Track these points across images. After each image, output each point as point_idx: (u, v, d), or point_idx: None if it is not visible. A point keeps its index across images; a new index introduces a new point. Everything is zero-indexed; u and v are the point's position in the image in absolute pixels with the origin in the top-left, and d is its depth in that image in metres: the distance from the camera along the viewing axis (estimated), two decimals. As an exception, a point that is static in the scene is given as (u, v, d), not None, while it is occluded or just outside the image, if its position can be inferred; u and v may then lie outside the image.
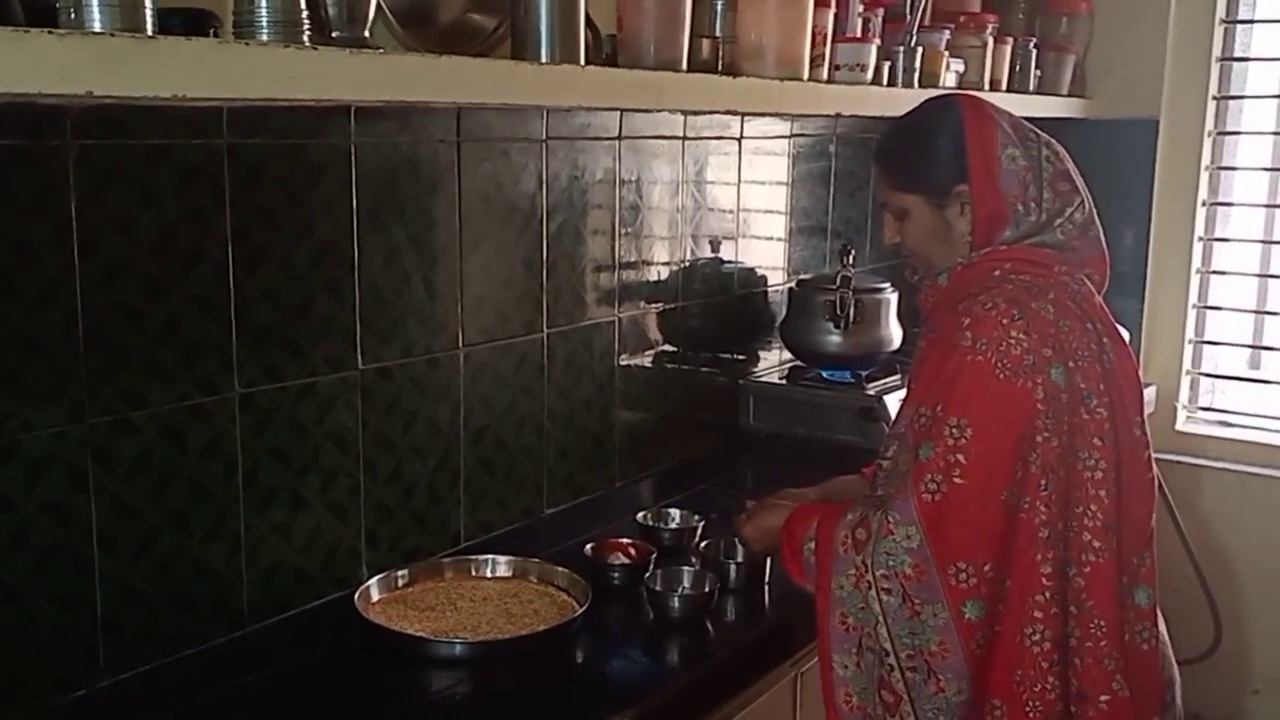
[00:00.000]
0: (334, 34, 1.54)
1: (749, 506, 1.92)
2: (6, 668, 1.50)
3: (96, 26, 1.22)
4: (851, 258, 2.75)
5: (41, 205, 1.47)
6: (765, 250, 2.90)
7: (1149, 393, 3.05)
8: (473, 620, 1.80)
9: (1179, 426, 3.60)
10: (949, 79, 2.82)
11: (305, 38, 1.42)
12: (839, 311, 2.73)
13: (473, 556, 2.00)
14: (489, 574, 1.97)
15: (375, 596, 1.84)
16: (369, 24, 1.58)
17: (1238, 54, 3.50)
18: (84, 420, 1.54)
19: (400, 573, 1.91)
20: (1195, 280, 3.58)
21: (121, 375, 1.58)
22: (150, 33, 1.26)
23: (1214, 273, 3.60)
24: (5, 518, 1.48)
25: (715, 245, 2.71)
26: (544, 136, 2.18)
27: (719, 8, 2.20)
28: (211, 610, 1.72)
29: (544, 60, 1.76)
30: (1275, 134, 3.52)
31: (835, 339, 2.76)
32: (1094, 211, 1.76)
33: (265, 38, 1.38)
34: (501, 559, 1.98)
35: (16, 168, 1.44)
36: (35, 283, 1.48)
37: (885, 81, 2.59)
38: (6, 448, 1.47)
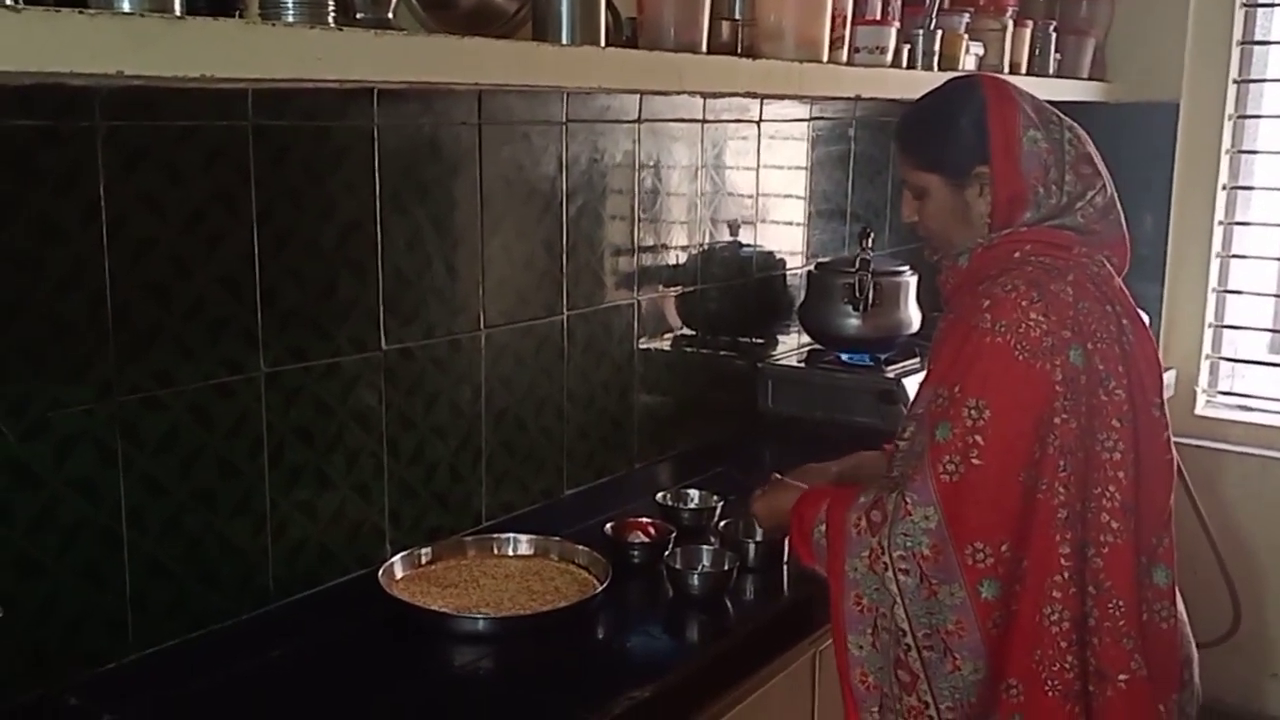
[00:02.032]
0: (358, 15, 1.56)
1: (770, 480, 1.93)
2: (37, 641, 1.52)
3: (126, 7, 1.24)
4: (870, 241, 2.76)
5: (71, 185, 1.49)
6: (784, 234, 2.90)
7: (1168, 377, 3.04)
8: (495, 597, 1.82)
9: (1199, 411, 3.59)
10: (968, 62, 2.81)
11: (330, 19, 1.43)
12: (858, 294, 2.73)
13: (495, 535, 2.01)
14: (511, 552, 1.98)
15: (399, 574, 1.86)
16: (392, 6, 1.59)
17: (1259, 37, 3.49)
18: (112, 398, 1.57)
19: (423, 550, 1.93)
20: (1215, 264, 3.58)
21: (149, 354, 1.60)
22: (179, 13, 1.27)
23: (1234, 257, 3.60)
24: (35, 494, 1.50)
25: (734, 229, 2.72)
26: (564, 119, 2.19)
27: (738, -10, 2.21)
28: (238, 586, 1.75)
29: (565, 42, 1.77)
30: (1297, 118, 3.51)
31: (854, 322, 2.76)
32: (1115, 195, 1.76)
33: (291, 19, 1.40)
34: (523, 537, 2.00)
35: (47, 147, 1.46)
36: (64, 261, 1.50)
37: (905, 64, 2.59)
38: (36, 425, 1.50)
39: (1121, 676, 1.65)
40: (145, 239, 1.58)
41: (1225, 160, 3.52)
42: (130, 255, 1.56)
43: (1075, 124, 1.77)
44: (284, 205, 1.73)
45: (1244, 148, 3.56)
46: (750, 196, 2.75)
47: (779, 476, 1.95)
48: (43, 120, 1.45)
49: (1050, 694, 1.62)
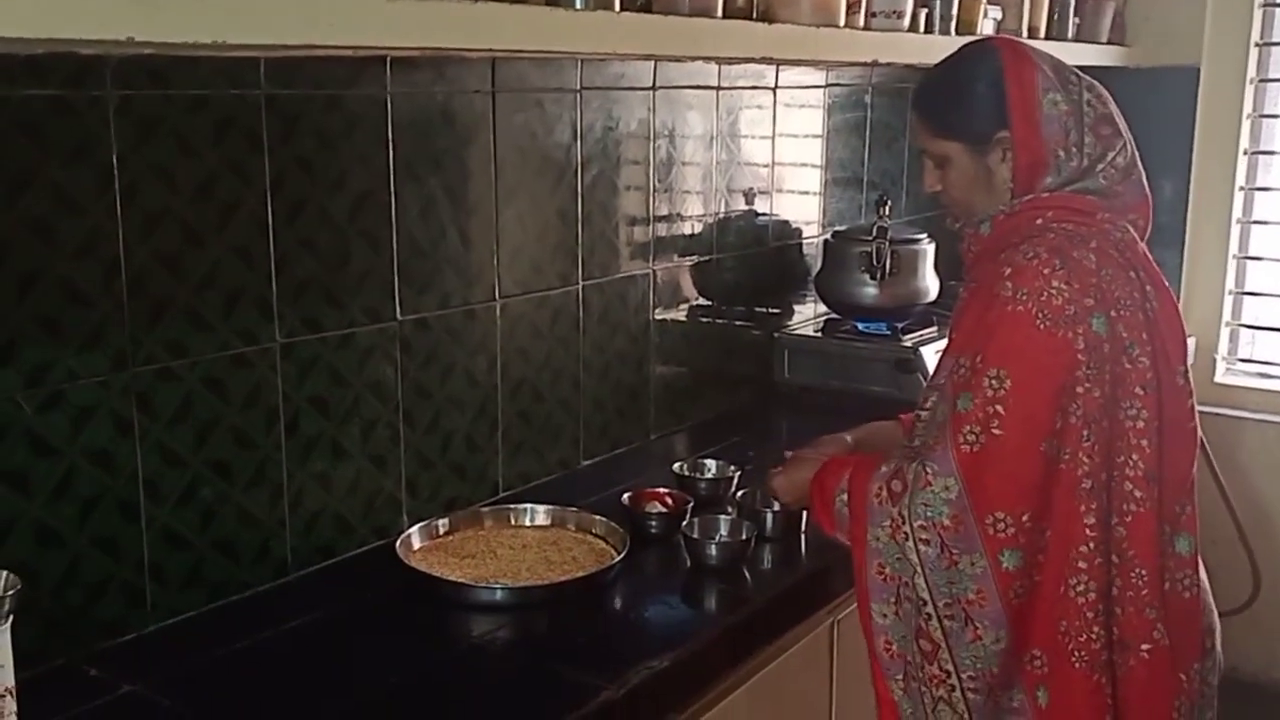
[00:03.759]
0: (370, -19, 1.54)
1: (786, 457, 1.92)
2: (57, 611, 1.53)
3: (135, -27, 1.22)
4: (888, 209, 2.74)
5: (84, 155, 1.48)
6: (800, 202, 2.88)
7: (1189, 344, 3.02)
8: (512, 567, 1.81)
9: (1218, 378, 3.57)
10: (986, 26, 2.78)
11: (342, -16, 1.41)
12: (875, 263, 2.72)
13: (512, 505, 2.01)
14: (528, 522, 1.98)
15: (416, 544, 1.86)
16: (405, -29, 1.58)
17: (1281, -1, 3.45)
18: (128, 369, 1.56)
19: (440, 521, 1.93)
20: (1236, 230, 3.54)
21: (164, 324, 1.60)
22: (189, -21, 1.25)
23: (1255, 222, 3.56)
24: (52, 464, 1.51)
25: (749, 197, 2.70)
26: (578, 87, 2.17)
27: (754, -46, 2.18)
28: (255, 557, 1.75)
29: (579, 7, 1.75)
30: (1320, 81, 3.47)
31: (871, 291, 2.75)
32: (1136, 154, 1.74)
33: (302, -16, 1.38)
34: (540, 508, 1.99)
35: (59, 117, 1.45)
36: (79, 232, 1.49)
37: (922, 29, 2.56)
38: (52, 396, 1.50)
39: (1144, 646, 1.64)
40: (158, 209, 1.57)
41: (1246, 125, 3.48)
42: (144, 225, 1.55)
43: (1095, 83, 1.74)
44: (297, 175, 1.72)
45: (1265, 112, 3.51)
46: (766, 165, 2.73)
47: (790, 454, 1.94)
48: (54, 90, 1.44)
49: (1077, 665, 1.61)
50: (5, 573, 1.24)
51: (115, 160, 1.51)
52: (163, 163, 1.56)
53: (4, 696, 1.22)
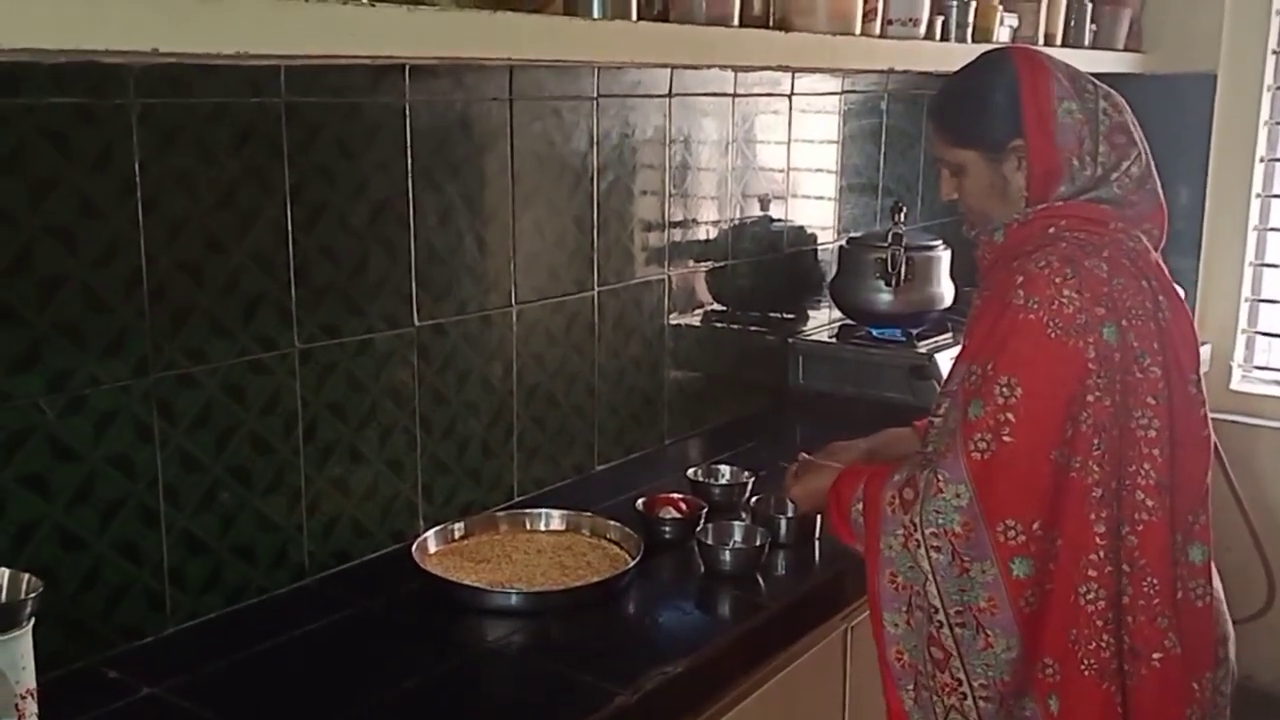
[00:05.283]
0: (389, -9, 1.55)
1: (799, 460, 1.93)
2: (78, 615, 1.54)
3: (159, -16, 1.23)
4: (903, 215, 2.74)
5: (106, 163, 1.50)
6: (815, 208, 2.89)
7: (1204, 352, 3.01)
8: (527, 572, 1.82)
9: (1234, 386, 3.56)
10: (1003, 34, 2.79)
11: (362, -5, 1.42)
12: (890, 269, 2.72)
13: (527, 510, 2.02)
14: (543, 527, 1.99)
15: (432, 548, 1.87)
16: (424, -19, 1.59)
17: (1299, 7, 3.43)
18: (148, 374, 1.58)
19: (456, 525, 1.94)
20: (1253, 237, 3.53)
21: (184, 331, 1.61)
22: (212, -10, 1.27)
23: (1271, 229, 3.55)
24: (74, 469, 1.52)
25: (765, 203, 2.71)
26: (595, 94, 2.18)
27: (770, -37, 2.18)
28: (273, 561, 1.76)
29: (596, 16, 1.76)
30: (1337, 88, 3.46)
31: (886, 297, 2.76)
32: (1151, 163, 1.74)
33: (323, -5, 1.39)
34: (555, 513, 2.00)
35: (81, 125, 1.47)
36: (101, 239, 1.51)
37: (938, 36, 2.56)
38: (74, 401, 1.51)
39: (1155, 655, 1.64)
40: (180, 216, 1.58)
41: (1264, 132, 3.47)
42: (165, 233, 1.57)
43: (1111, 91, 1.75)
44: (316, 182, 1.74)
45: (1283, 119, 3.51)
46: (781, 171, 2.73)
47: (807, 457, 1.95)
48: (77, 98, 1.46)
49: (1086, 673, 1.62)
50: (27, 575, 1.26)
51: (137, 168, 1.53)
52: (184, 170, 1.58)
53: (25, 698, 1.24)
